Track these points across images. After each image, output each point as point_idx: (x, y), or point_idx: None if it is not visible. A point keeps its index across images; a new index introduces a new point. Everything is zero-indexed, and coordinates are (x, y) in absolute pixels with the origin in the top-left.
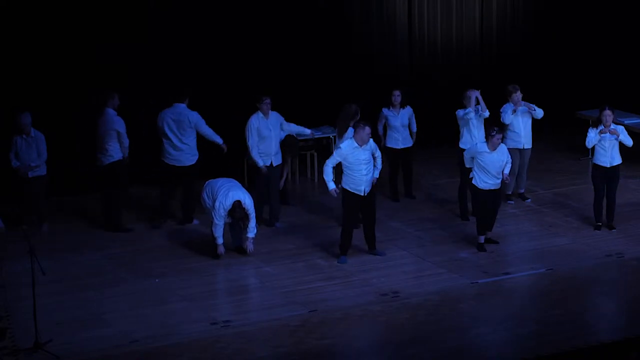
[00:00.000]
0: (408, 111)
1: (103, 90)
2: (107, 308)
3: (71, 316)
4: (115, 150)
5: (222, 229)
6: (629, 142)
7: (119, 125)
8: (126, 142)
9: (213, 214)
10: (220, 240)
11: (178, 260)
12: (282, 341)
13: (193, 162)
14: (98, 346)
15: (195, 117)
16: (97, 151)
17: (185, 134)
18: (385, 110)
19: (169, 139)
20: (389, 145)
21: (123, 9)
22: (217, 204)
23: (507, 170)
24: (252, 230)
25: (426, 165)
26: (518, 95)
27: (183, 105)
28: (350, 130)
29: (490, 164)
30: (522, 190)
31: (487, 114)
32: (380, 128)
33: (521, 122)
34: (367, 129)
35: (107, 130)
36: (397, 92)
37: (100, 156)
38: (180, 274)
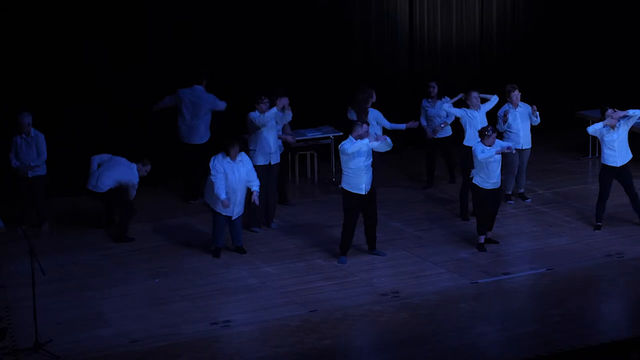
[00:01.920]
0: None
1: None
2: (107, 308)
3: (71, 316)
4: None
5: (222, 183)
6: (637, 112)
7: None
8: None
9: (210, 173)
10: (223, 196)
11: (178, 260)
12: (282, 341)
13: (202, 142)
14: (98, 346)
15: (211, 99)
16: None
17: (198, 114)
18: (424, 102)
19: (183, 116)
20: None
21: (123, 9)
22: (211, 161)
23: (504, 144)
24: (256, 185)
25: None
26: (516, 94)
27: (201, 88)
28: (371, 112)
29: (490, 161)
30: (522, 190)
31: (495, 99)
32: (422, 120)
33: (520, 123)
34: (365, 127)
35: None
36: (432, 84)
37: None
38: (180, 274)
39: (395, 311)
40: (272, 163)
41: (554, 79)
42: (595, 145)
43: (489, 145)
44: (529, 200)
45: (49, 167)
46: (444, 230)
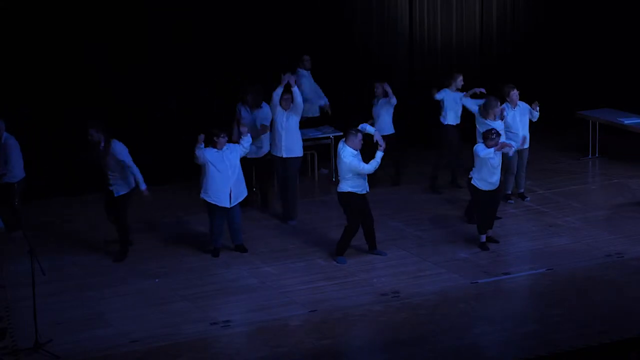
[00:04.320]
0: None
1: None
2: (107, 308)
3: (71, 316)
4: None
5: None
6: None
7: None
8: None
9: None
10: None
11: (178, 260)
12: (282, 341)
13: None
14: (98, 346)
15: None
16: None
17: None
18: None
19: None
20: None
21: (123, 9)
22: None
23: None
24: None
25: (426, 165)
26: (515, 93)
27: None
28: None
29: (495, 160)
30: (522, 190)
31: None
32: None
33: (519, 124)
34: (360, 136)
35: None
36: (377, 84)
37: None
38: (180, 274)
39: (395, 311)
40: (285, 156)
41: (554, 79)
42: (595, 145)
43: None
44: (528, 199)
45: (49, 167)
46: (444, 230)
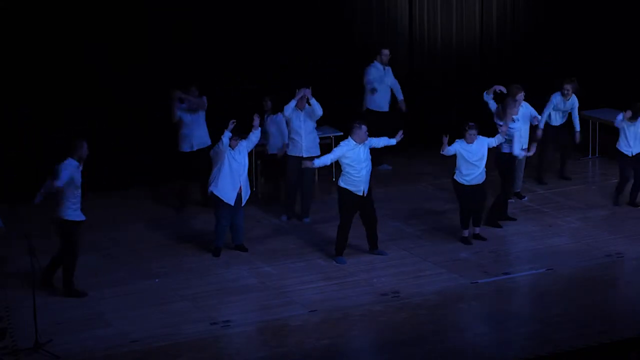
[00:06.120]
0: None
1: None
2: (107, 308)
3: (71, 316)
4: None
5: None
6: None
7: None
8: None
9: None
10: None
11: (178, 260)
12: (282, 341)
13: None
14: (98, 346)
15: None
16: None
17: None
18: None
19: None
20: None
21: (123, 9)
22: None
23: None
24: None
25: (426, 165)
26: (522, 95)
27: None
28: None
29: (472, 155)
30: (519, 190)
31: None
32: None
33: (522, 124)
34: (364, 127)
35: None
36: (265, 98)
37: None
38: (180, 274)
39: (395, 311)
40: (305, 156)
41: (554, 78)
42: (595, 145)
43: (471, 141)
44: (526, 198)
45: (48, 167)
46: (444, 230)
